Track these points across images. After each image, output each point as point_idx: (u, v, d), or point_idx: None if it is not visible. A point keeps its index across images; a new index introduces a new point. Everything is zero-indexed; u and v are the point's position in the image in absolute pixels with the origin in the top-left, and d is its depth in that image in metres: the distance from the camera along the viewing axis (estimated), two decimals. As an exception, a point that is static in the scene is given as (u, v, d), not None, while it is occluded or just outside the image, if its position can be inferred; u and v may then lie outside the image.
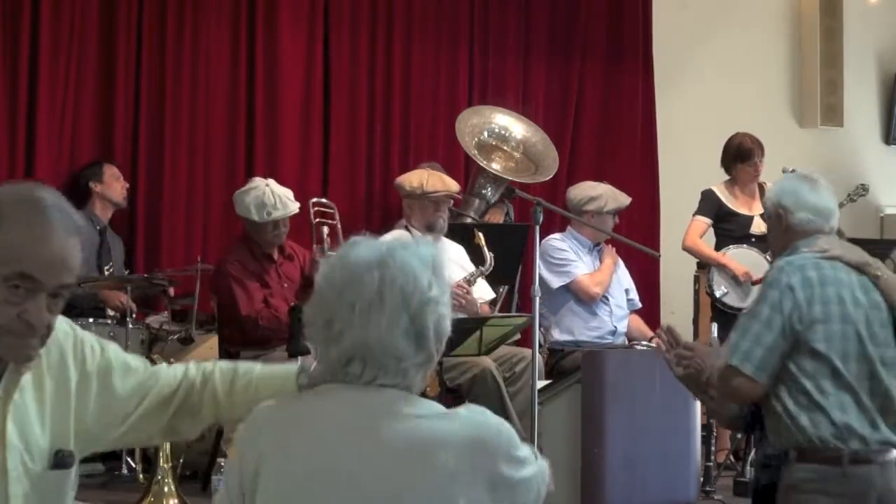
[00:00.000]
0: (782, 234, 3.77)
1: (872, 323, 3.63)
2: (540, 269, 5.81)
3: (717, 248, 7.01)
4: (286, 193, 6.36)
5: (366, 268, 2.15)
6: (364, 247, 2.19)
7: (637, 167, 8.65)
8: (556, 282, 6.61)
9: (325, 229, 6.66)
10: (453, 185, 6.59)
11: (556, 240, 6.76)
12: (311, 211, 6.84)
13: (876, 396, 3.58)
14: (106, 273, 6.77)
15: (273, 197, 6.26)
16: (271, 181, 6.43)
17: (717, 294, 6.82)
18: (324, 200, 6.94)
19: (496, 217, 7.60)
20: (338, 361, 2.16)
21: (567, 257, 6.67)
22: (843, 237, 4.05)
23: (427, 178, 6.53)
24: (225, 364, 2.49)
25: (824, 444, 3.51)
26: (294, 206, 6.34)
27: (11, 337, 2.15)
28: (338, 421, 2.14)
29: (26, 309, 2.13)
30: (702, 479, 6.23)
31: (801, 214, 3.75)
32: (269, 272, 6.31)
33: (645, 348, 6.16)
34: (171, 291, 6.77)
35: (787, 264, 3.68)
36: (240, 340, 6.20)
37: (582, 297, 6.64)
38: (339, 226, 6.82)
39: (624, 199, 6.79)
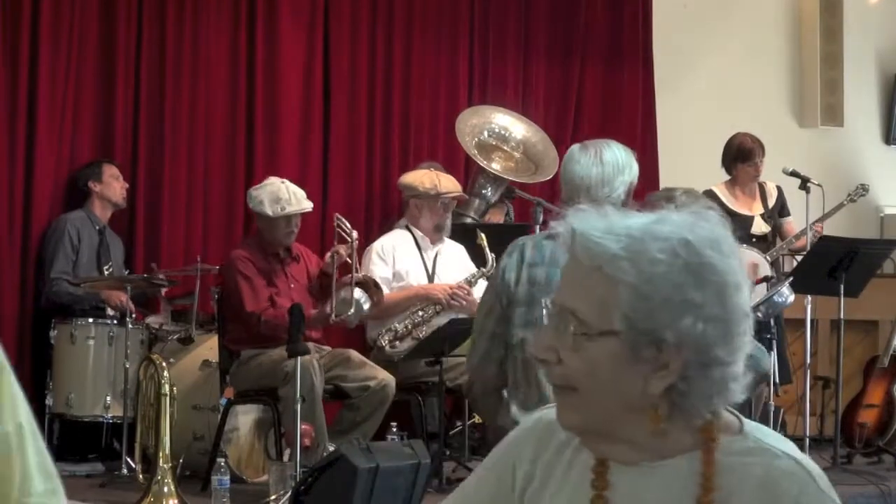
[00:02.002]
0: None
1: None
2: None
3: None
4: (300, 192, 6.32)
5: None
6: None
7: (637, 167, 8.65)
8: None
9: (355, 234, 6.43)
10: (459, 186, 6.70)
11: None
12: (336, 227, 6.62)
13: None
14: (105, 273, 6.78)
15: (288, 193, 6.22)
16: (286, 181, 6.39)
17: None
18: (346, 224, 6.64)
19: (496, 217, 7.60)
20: (742, 374, 1.66)
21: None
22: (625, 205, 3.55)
23: (439, 180, 6.60)
24: None
25: None
26: (308, 204, 6.28)
27: None
28: None
29: None
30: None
31: (563, 188, 3.52)
32: (277, 272, 6.28)
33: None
34: (163, 292, 6.78)
35: (512, 244, 3.46)
36: (243, 338, 6.18)
37: None
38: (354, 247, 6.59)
39: None
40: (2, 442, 1.89)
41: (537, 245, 3.40)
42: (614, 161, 3.45)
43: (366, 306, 6.06)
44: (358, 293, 6.02)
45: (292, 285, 6.29)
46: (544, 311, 3.28)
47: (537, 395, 3.29)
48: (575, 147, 3.54)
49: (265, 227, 6.27)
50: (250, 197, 6.32)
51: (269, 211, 6.18)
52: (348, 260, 6.24)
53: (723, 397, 1.62)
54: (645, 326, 1.57)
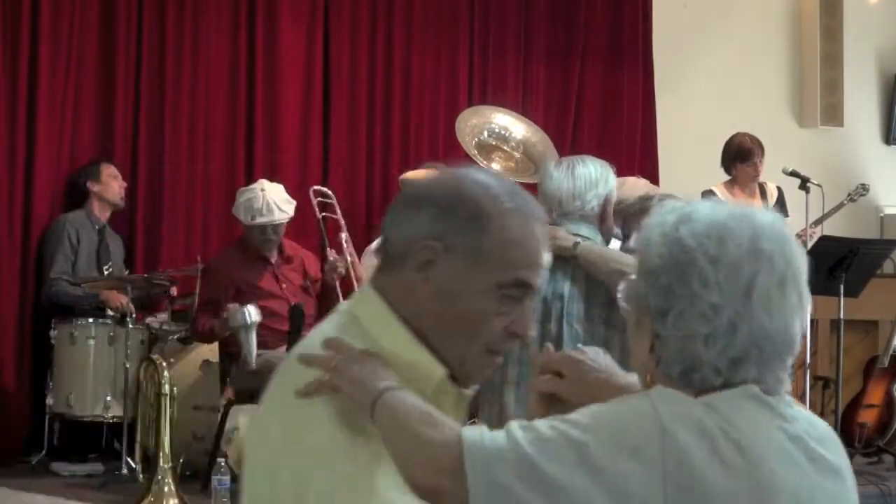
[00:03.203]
0: None
1: (540, 320, 3.27)
2: None
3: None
4: (278, 200, 6.27)
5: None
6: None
7: (637, 167, 8.65)
8: None
9: (343, 234, 6.51)
10: None
11: None
12: (314, 202, 6.72)
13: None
14: (105, 273, 6.77)
15: (261, 202, 6.21)
16: (269, 186, 6.36)
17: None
18: (324, 189, 6.75)
19: (496, 217, 7.60)
20: (717, 361, 1.69)
21: None
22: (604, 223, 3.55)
23: None
24: None
25: None
26: (281, 215, 6.25)
27: (492, 355, 1.84)
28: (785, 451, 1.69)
29: (514, 320, 1.83)
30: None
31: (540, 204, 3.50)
32: (263, 276, 6.27)
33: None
34: (174, 291, 6.77)
35: None
36: (233, 340, 6.17)
37: None
38: (339, 213, 6.70)
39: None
40: None
41: None
42: (586, 175, 3.52)
43: (253, 318, 5.96)
44: (250, 307, 5.97)
45: (284, 286, 6.28)
46: None
47: (498, 409, 3.30)
48: (550, 163, 3.60)
49: (246, 234, 6.34)
50: (236, 203, 6.36)
51: (242, 218, 6.25)
52: (342, 272, 6.23)
53: (696, 377, 1.70)
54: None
